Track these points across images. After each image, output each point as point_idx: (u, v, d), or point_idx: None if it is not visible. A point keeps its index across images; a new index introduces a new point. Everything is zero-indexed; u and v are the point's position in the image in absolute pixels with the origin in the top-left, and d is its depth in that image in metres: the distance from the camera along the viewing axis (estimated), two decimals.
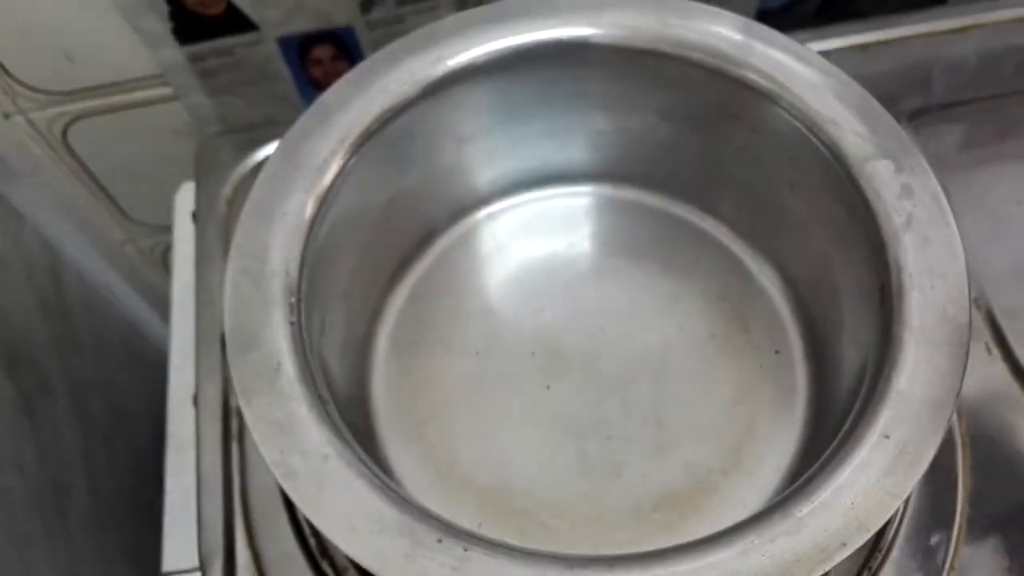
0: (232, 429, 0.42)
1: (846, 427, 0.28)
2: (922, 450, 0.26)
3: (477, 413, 0.39)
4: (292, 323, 0.30)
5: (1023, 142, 0.48)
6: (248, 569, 0.38)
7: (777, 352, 0.40)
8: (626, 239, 0.44)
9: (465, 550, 0.26)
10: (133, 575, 0.62)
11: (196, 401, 0.44)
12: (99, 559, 0.59)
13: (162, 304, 0.71)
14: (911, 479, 0.26)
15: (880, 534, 0.35)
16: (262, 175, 0.33)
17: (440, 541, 0.26)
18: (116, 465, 0.65)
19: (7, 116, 0.51)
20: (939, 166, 0.33)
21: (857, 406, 0.29)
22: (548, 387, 0.40)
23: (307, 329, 0.31)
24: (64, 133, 0.54)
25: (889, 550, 0.35)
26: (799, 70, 0.35)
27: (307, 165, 0.34)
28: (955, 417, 0.40)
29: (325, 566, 0.37)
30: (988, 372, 0.41)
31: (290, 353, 0.30)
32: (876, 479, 0.26)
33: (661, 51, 0.36)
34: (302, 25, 0.48)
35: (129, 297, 0.72)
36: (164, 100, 0.53)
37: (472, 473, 0.38)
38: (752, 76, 0.35)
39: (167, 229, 0.53)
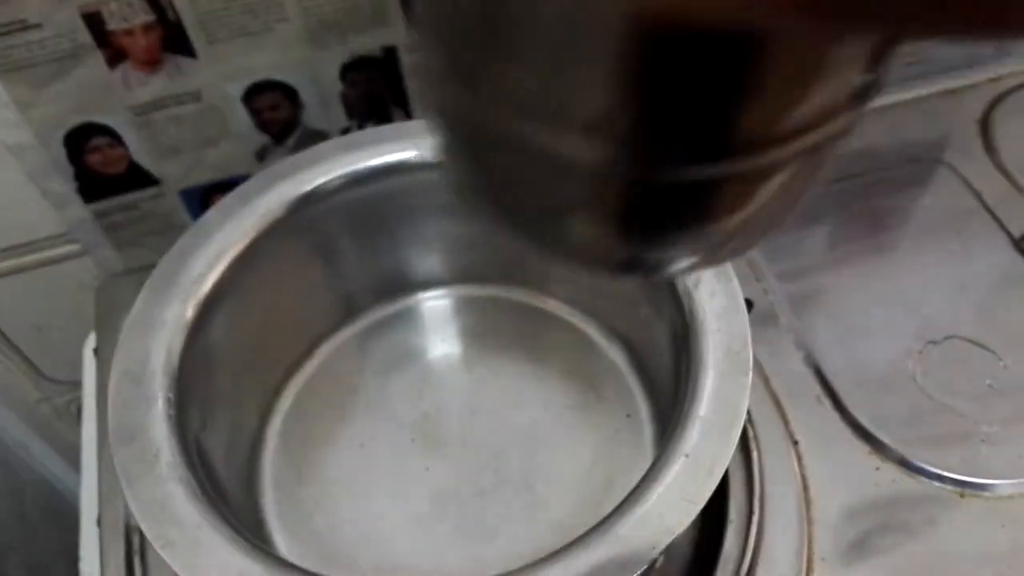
0: (134, 545, 0.44)
1: (658, 453, 0.33)
2: (716, 463, 0.31)
3: (362, 499, 0.43)
4: (170, 416, 0.34)
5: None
6: None
7: (628, 416, 0.45)
8: (489, 331, 0.49)
9: None
10: None
11: (99, 522, 0.46)
12: None
13: (78, 461, 0.72)
14: (708, 488, 0.30)
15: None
16: (144, 288, 0.37)
17: None
18: None
19: None
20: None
21: (666, 434, 0.33)
22: (427, 468, 0.44)
23: (185, 422, 0.35)
24: None
25: None
26: None
27: (185, 279, 0.38)
28: (794, 457, 0.45)
29: None
30: (821, 418, 0.46)
31: (167, 442, 0.33)
32: (678, 492, 0.30)
33: None
34: (203, 176, 0.52)
35: (47, 455, 0.71)
36: (73, 256, 0.55)
37: (356, 554, 0.41)
38: None
39: (80, 385, 0.54)
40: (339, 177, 0.41)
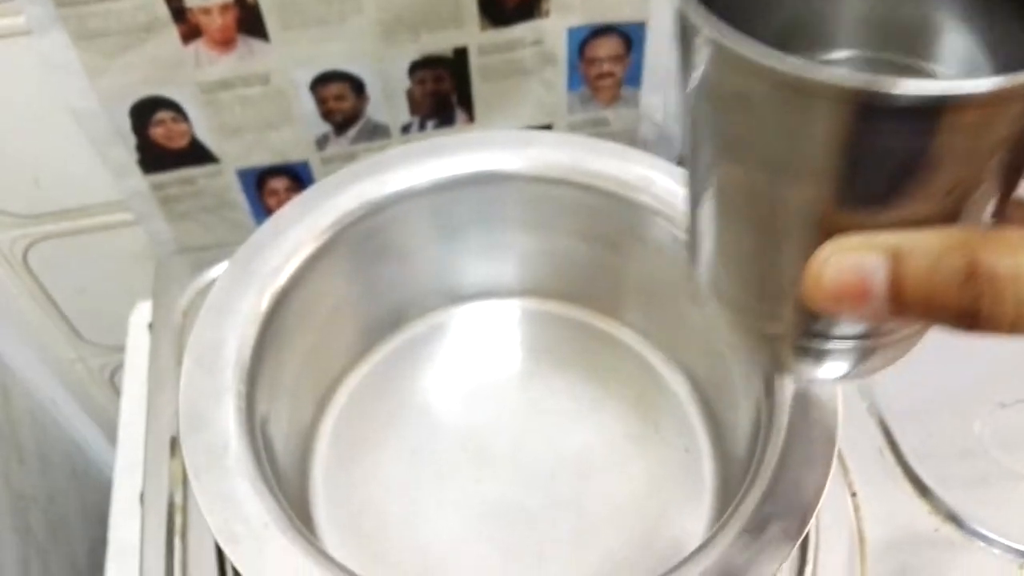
0: (176, 525, 0.44)
1: (723, 519, 0.32)
2: (785, 540, 0.30)
3: (410, 505, 0.42)
4: (240, 409, 0.33)
5: None
6: None
7: (687, 450, 0.44)
8: (551, 348, 0.48)
9: None
10: None
11: (142, 499, 0.46)
12: None
13: (107, 424, 0.72)
14: (774, 564, 0.29)
15: None
16: (220, 279, 0.37)
17: None
18: None
19: None
20: None
21: (744, 486, 0.32)
22: (477, 481, 0.43)
23: (253, 415, 0.34)
24: (25, 254, 0.56)
25: None
26: None
27: (261, 270, 0.38)
28: (851, 508, 0.44)
29: None
30: (882, 471, 0.45)
31: (237, 435, 0.33)
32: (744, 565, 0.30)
33: (573, 181, 0.41)
34: (260, 159, 0.52)
35: (75, 415, 0.71)
36: (124, 225, 0.55)
37: (402, 561, 0.40)
38: (651, 201, 0.40)
39: (118, 350, 0.54)
40: (423, 182, 0.41)
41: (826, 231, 0.18)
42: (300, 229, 0.39)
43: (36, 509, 0.64)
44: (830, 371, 0.23)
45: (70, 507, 0.69)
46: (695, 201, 0.22)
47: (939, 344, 0.50)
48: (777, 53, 0.16)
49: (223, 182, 0.52)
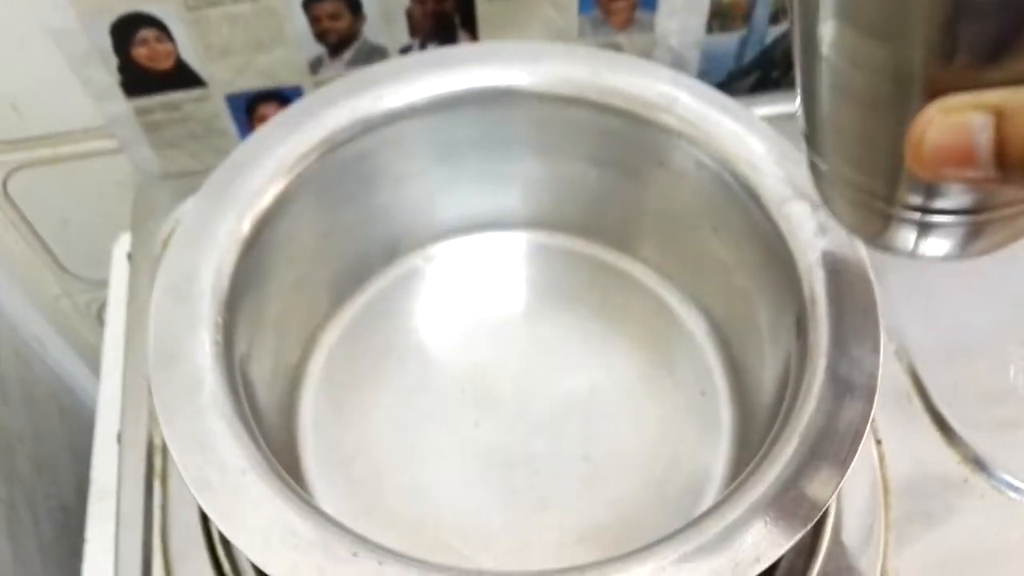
0: (155, 467, 0.41)
1: (762, 451, 0.29)
2: (834, 471, 0.27)
3: (405, 449, 0.39)
4: (217, 342, 0.30)
5: None
6: None
7: (703, 393, 0.41)
8: (558, 283, 0.45)
9: (380, 564, 0.26)
10: None
11: (120, 439, 0.43)
12: None
13: (95, 362, 0.69)
14: (825, 496, 0.27)
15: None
16: (195, 200, 0.34)
17: (355, 555, 0.26)
18: (39, 520, 0.63)
19: None
20: None
21: (775, 429, 0.29)
22: (477, 424, 0.40)
23: (232, 350, 0.31)
24: (4, 183, 0.53)
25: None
26: (720, 118, 0.37)
27: (242, 192, 0.34)
28: (876, 456, 0.41)
29: None
30: (909, 418, 0.43)
31: (213, 371, 0.29)
32: (791, 496, 0.27)
33: (588, 99, 0.37)
34: (250, 83, 0.49)
35: (61, 352, 0.70)
36: (108, 152, 0.52)
37: (397, 508, 0.38)
38: (674, 123, 0.36)
39: (105, 285, 0.52)
40: (422, 98, 0.37)
41: (932, 93, 0.18)
42: (286, 148, 0.36)
43: (22, 449, 0.62)
44: (937, 247, 0.23)
45: (57, 447, 0.67)
46: (805, 74, 0.22)
47: (974, 283, 0.47)
48: None
49: (211, 108, 0.50)
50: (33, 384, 0.66)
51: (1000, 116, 0.17)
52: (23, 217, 0.56)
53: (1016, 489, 0.40)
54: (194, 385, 0.29)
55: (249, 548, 0.26)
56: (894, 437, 0.42)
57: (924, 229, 0.22)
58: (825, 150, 0.23)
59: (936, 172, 0.19)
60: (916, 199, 0.21)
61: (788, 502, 0.27)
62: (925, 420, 0.43)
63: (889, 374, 0.44)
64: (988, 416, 0.43)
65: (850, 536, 0.38)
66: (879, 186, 0.22)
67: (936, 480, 0.41)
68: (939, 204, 0.21)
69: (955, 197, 0.21)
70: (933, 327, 0.45)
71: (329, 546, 0.26)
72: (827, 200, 0.24)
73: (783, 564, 0.37)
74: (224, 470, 0.27)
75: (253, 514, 0.26)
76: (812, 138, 0.23)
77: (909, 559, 0.38)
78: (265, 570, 0.25)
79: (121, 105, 0.48)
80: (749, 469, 0.28)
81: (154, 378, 0.29)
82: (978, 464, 0.41)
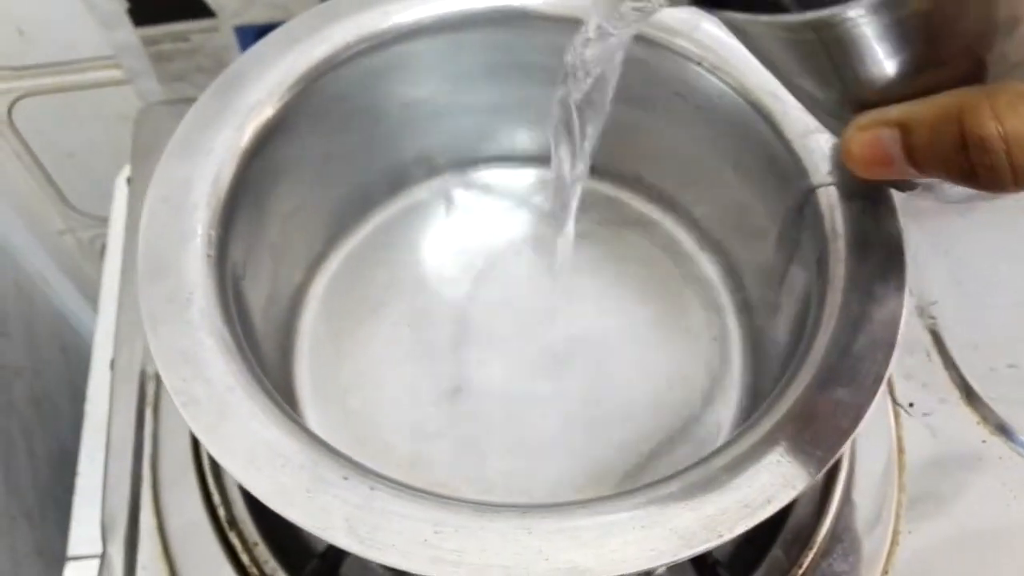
0: (148, 395, 0.41)
1: (775, 390, 0.27)
2: (853, 412, 0.26)
3: (404, 384, 0.38)
4: (209, 256, 0.29)
5: None
6: (152, 537, 0.37)
7: (715, 340, 0.39)
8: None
9: (371, 489, 0.24)
10: (44, 573, 0.58)
11: (113, 365, 0.42)
12: (8, 553, 0.55)
13: (97, 299, 0.69)
14: (843, 439, 0.25)
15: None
16: (193, 110, 0.32)
17: (346, 479, 0.25)
18: (36, 458, 0.62)
19: None
20: None
21: (790, 369, 0.28)
22: (480, 363, 0.39)
23: (225, 265, 0.30)
24: (10, 111, 0.52)
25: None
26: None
27: (240, 105, 0.32)
28: (891, 415, 0.40)
29: (232, 537, 0.35)
30: (927, 376, 0.41)
31: (204, 285, 0.28)
32: (807, 437, 0.25)
33: None
34: (260, 15, 0.47)
35: (64, 288, 0.69)
36: (114, 83, 0.52)
37: (393, 443, 0.36)
38: (694, 48, 0.35)
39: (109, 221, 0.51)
40: (430, 16, 0.35)
41: (855, 108, 0.23)
42: (287, 61, 0.34)
43: (20, 383, 0.61)
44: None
45: (58, 383, 0.67)
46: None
47: (998, 242, 0.45)
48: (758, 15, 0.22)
49: (220, 40, 0.49)
50: (34, 320, 0.65)
51: (904, 129, 0.21)
52: (27, 148, 0.56)
53: None
54: (183, 298, 0.28)
55: (234, 467, 0.24)
56: (911, 394, 0.40)
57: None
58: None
59: (868, 174, 0.23)
60: None
61: (803, 443, 0.25)
62: (944, 378, 0.41)
63: (909, 331, 0.42)
64: (1009, 377, 0.41)
65: (862, 495, 0.37)
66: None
67: (953, 440, 0.39)
68: None
69: None
70: (955, 286, 0.44)
71: (319, 468, 0.25)
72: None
73: (791, 519, 0.36)
74: (211, 385, 0.26)
75: (239, 433, 0.25)
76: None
77: (922, 519, 0.37)
78: (251, 491, 0.24)
79: (128, 33, 0.47)
80: (762, 408, 0.27)
81: (142, 290, 0.28)
82: (997, 426, 0.40)
